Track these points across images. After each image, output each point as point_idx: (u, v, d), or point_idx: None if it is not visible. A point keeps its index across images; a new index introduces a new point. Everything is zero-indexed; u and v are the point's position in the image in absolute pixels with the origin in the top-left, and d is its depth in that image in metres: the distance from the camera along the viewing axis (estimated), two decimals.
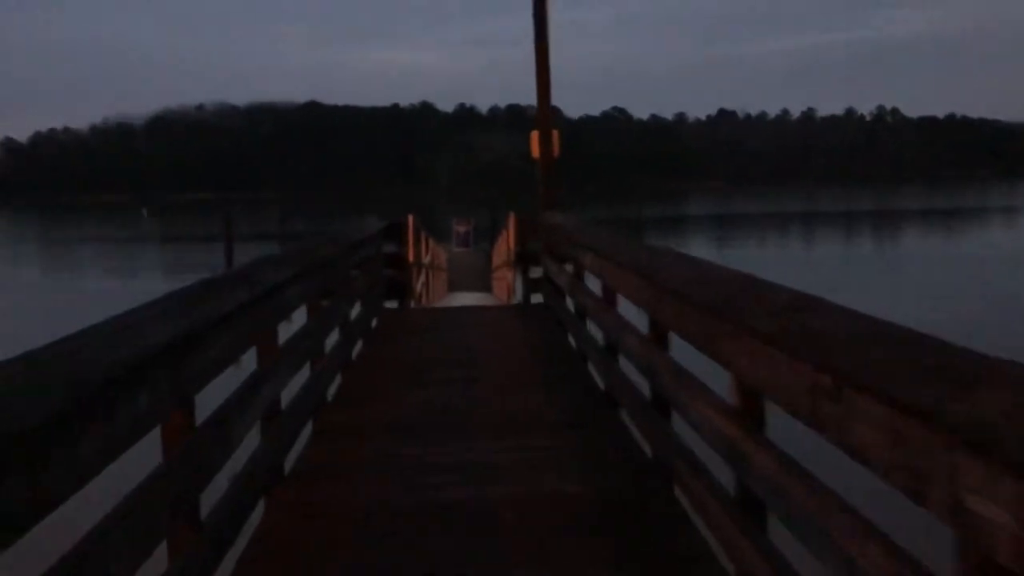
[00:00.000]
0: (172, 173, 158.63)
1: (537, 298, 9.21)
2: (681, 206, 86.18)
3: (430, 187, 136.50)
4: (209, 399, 2.87)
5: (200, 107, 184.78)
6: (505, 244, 13.65)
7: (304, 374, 4.61)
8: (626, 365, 4.64)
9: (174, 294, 2.75)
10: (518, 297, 10.86)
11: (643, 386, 4.18)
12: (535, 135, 9.32)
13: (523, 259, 9.60)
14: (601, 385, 5.47)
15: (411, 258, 9.73)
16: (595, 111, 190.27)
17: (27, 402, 1.59)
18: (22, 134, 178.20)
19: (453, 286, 20.58)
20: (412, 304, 9.95)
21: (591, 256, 5.31)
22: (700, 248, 34.27)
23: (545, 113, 9.29)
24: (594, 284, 6.00)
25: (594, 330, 5.89)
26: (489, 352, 6.86)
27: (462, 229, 34.55)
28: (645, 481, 3.78)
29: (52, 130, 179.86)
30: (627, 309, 4.60)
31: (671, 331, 3.58)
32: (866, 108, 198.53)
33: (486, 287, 20.55)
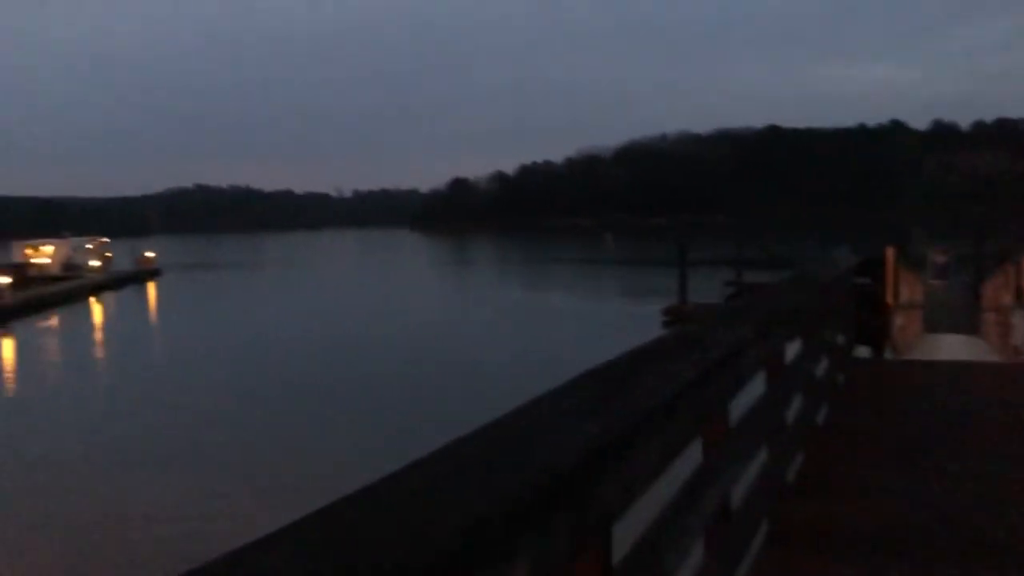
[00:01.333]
0: (634, 199, 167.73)
1: None
2: None
3: (899, 210, 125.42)
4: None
5: (663, 137, 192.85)
6: (1009, 279, 11.22)
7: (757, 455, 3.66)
8: None
9: (595, 373, 2.02)
10: None
11: None
12: None
13: None
14: None
15: (890, 299, 8.21)
16: None
17: None
18: (511, 168, 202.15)
19: (929, 326, 17.85)
20: (888, 354, 8.41)
21: None
22: None
23: None
24: None
25: None
26: (1004, 430, 5.24)
27: (941, 259, 30.60)
28: None
29: (535, 163, 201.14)
30: None
31: None
32: None
33: (971, 329, 17.49)
